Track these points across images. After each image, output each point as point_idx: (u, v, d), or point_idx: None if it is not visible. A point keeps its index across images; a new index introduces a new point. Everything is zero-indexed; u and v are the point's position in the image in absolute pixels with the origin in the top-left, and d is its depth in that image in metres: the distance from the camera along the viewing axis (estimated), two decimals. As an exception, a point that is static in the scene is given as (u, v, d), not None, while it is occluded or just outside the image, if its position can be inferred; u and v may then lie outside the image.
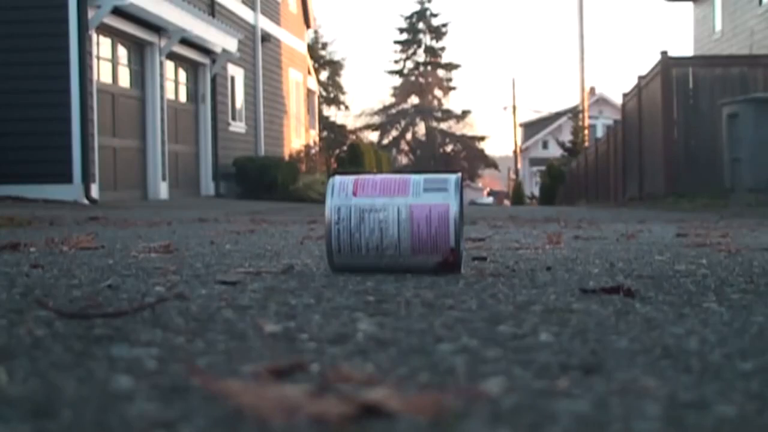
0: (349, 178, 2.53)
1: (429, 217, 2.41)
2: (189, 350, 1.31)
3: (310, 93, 26.30)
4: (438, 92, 52.51)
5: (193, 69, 16.31)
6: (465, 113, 52.63)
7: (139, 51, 13.85)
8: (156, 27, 13.60)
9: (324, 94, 42.65)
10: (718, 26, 22.32)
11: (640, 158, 16.08)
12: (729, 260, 3.21)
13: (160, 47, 13.98)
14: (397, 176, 2.55)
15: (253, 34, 19.68)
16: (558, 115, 53.93)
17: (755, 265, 3.02)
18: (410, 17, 51.80)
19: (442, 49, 52.19)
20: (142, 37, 13.46)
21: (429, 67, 52.10)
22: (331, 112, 45.76)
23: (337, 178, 2.53)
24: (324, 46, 46.24)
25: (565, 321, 1.63)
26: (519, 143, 53.66)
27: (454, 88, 55.17)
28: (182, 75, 15.92)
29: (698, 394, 1.06)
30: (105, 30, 12.35)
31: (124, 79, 13.49)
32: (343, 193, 2.46)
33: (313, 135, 26.90)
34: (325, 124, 37.91)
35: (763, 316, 1.72)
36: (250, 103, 19.45)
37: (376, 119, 51.88)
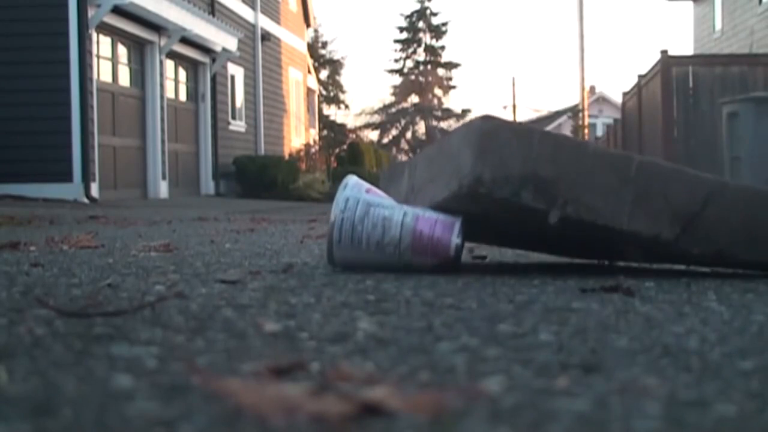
0: (364, 183, 2.57)
1: (434, 226, 2.44)
2: (189, 349, 1.31)
3: (310, 92, 26.28)
4: (438, 91, 52.45)
5: (193, 68, 16.30)
6: (465, 112, 52.60)
7: (139, 50, 13.84)
8: (156, 26, 13.59)
9: (324, 93, 42.62)
10: (718, 25, 22.31)
11: (640, 157, 16.07)
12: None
13: (160, 46, 13.97)
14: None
15: (253, 33, 19.66)
16: (558, 114, 53.91)
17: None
18: (410, 16, 51.75)
19: (442, 48, 52.10)
20: (142, 36, 13.45)
21: (429, 66, 52.06)
22: (331, 111, 45.71)
23: (353, 179, 2.56)
24: (324, 44, 46.19)
25: (564, 320, 1.63)
26: (519, 142, 53.54)
27: (454, 87, 55.09)
28: (182, 74, 15.91)
29: (698, 393, 1.06)
30: (105, 29, 12.34)
31: (124, 78, 13.47)
32: (356, 188, 2.50)
33: (313, 134, 26.88)
34: (325, 123, 37.87)
35: (763, 315, 1.72)
36: (250, 102, 19.43)
37: (376, 118, 51.83)
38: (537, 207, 2.29)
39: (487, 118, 2.34)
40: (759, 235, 2.40)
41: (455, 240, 2.42)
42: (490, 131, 2.30)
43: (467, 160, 2.30)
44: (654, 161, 2.41)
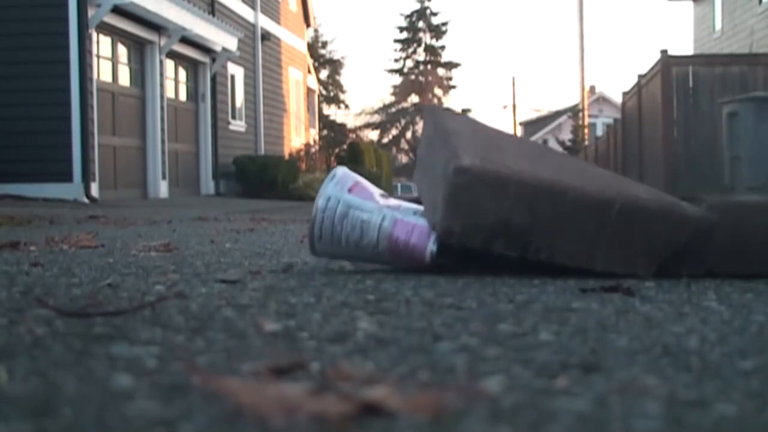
0: (351, 176, 2.56)
1: (410, 233, 2.46)
2: (189, 349, 1.31)
3: (310, 92, 26.28)
4: (438, 91, 52.52)
5: (193, 68, 16.30)
6: (465, 112, 52.73)
7: (139, 50, 13.83)
8: (156, 26, 13.58)
9: (324, 92, 42.64)
10: (718, 25, 22.30)
11: (640, 157, 16.09)
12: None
13: (160, 46, 13.97)
14: (395, 198, 2.61)
15: (253, 32, 19.65)
16: (558, 114, 53.94)
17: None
18: (410, 16, 51.82)
19: (442, 47, 52.16)
20: (142, 36, 13.44)
21: (429, 66, 52.12)
22: (331, 111, 45.75)
23: (341, 171, 2.56)
24: (324, 44, 46.23)
25: (564, 320, 1.63)
26: (519, 142, 53.63)
27: (454, 87, 55.17)
28: (182, 74, 15.90)
29: (698, 393, 1.06)
30: (105, 29, 12.34)
31: (124, 78, 13.47)
32: (340, 184, 2.51)
33: (313, 134, 26.88)
34: (325, 122, 37.88)
35: (763, 315, 1.72)
36: (250, 102, 19.43)
37: (376, 118, 51.90)
38: (509, 255, 2.28)
39: (460, 172, 2.25)
40: (747, 249, 2.40)
41: (431, 247, 2.45)
42: (463, 185, 2.25)
43: (440, 205, 2.28)
44: (639, 202, 2.34)
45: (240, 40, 17.26)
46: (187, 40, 14.83)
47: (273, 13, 21.55)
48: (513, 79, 64.75)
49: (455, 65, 52.68)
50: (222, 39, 15.94)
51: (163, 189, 14.12)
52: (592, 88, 49.84)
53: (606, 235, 2.30)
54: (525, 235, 2.26)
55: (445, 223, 2.26)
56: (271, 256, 3.09)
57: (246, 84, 19.14)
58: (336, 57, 46.82)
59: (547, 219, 2.27)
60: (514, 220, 2.26)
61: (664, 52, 14.11)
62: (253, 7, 19.74)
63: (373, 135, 50.64)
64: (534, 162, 2.49)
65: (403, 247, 2.46)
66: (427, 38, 52.09)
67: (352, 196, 2.51)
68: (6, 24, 11.52)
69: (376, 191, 2.57)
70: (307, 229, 2.55)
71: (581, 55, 31.72)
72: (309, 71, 26.21)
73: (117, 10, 12.04)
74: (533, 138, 61.07)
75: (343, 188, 2.52)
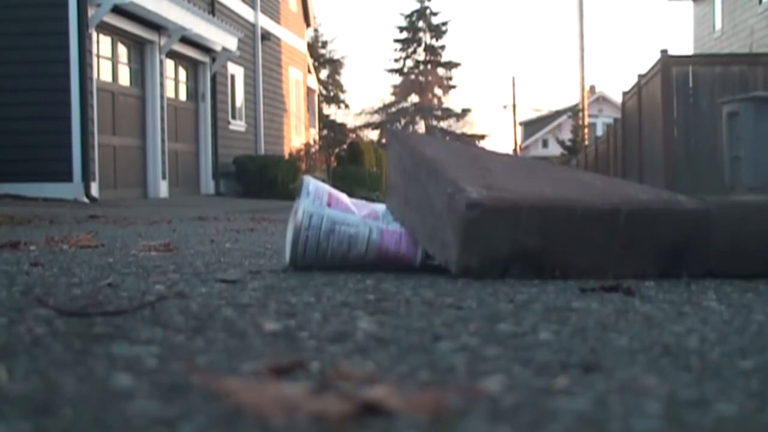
0: (324, 188, 2.56)
1: (399, 242, 2.47)
2: (189, 348, 1.31)
3: (310, 91, 26.27)
4: (438, 91, 52.53)
5: (193, 67, 16.29)
6: (465, 112, 52.68)
7: (139, 49, 13.83)
8: (156, 25, 13.58)
9: (324, 92, 42.63)
10: (718, 25, 22.30)
11: (640, 157, 16.08)
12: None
13: (160, 46, 13.96)
14: (368, 204, 2.61)
15: (253, 32, 19.65)
16: (558, 114, 53.96)
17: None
18: (410, 16, 51.83)
19: (442, 47, 52.17)
20: (142, 36, 13.44)
21: (429, 66, 52.12)
22: (331, 111, 45.71)
23: (312, 184, 2.56)
24: (324, 44, 46.20)
25: (564, 319, 1.63)
26: (519, 142, 53.69)
27: (454, 87, 55.13)
28: (182, 73, 15.90)
29: (698, 393, 1.07)
30: (105, 28, 12.33)
31: (124, 78, 13.46)
32: (317, 200, 2.51)
33: (313, 133, 26.87)
34: (325, 122, 37.84)
35: (763, 315, 1.72)
36: (250, 102, 19.42)
37: (376, 118, 51.90)
38: (524, 278, 2.29)
39: (471, 206, 2.24)
40: (748, 248, 2.40)
41: (420, 254, 2.48)
42: (476, 220, 2.24)
43: (451, 242, 2.27)
44: (643, 206, 2.36)
45: (240, 40, 17.25)
46: (187, 40, 14.83)
47: (273, 13, 21.55)
48: (513, 79, 64.71)
49: (455, 65, 52.69)
50: (222, 39, 15.94)
51: (163, 189, 14.12)
52: (592, 88, 49.86)
53: (616, 244, 2.31)
54: (539, 257, 2.28)
55: (461, 261, 2.25)
56: (271, 256, 3.09)
57: (246, 84, 19.14)
58: (336, 57, 46.80)
59: (559, 237, 2.29)
60: (529, 245, 2.27)
61: (664, 52, 14.11)
62: (253, 7, 19.73)
63: (373, 135, 50.61)
64: (529, 178, 2.48)
65: (392, 257, 2.48)
66: (427, 38, 52.09)
67: (335, 211, 2.51)
68: (6, 24, 11.52)
69: (347, 198, 2.58)
70: (291, 242, 2.53)
71: (581, 55, 31.73)
72: (309, 71, 26.21)
73: (117, 10, 12.03)
74: (533, 138, 61.08)
75: (322, 203, 2.51)
